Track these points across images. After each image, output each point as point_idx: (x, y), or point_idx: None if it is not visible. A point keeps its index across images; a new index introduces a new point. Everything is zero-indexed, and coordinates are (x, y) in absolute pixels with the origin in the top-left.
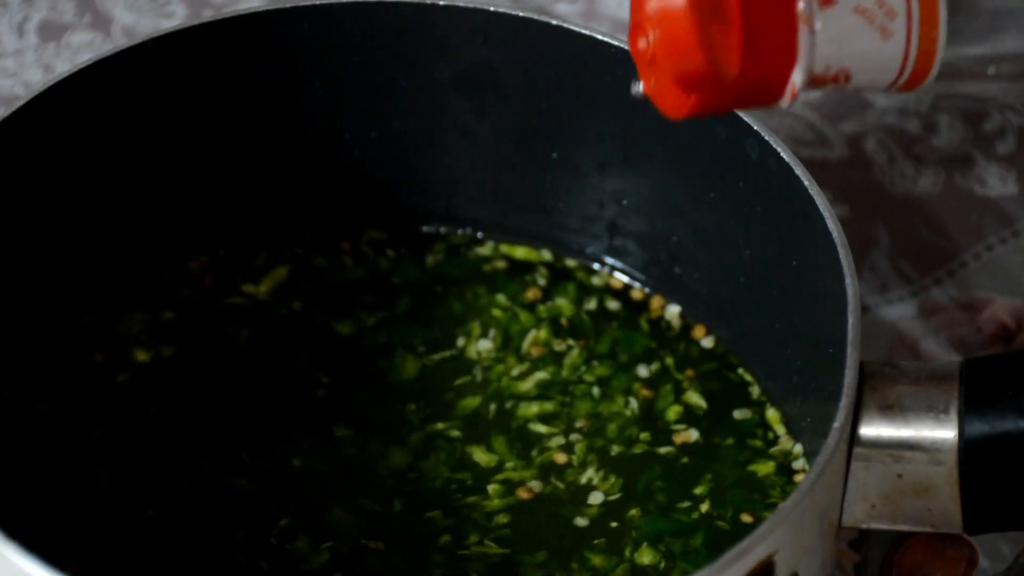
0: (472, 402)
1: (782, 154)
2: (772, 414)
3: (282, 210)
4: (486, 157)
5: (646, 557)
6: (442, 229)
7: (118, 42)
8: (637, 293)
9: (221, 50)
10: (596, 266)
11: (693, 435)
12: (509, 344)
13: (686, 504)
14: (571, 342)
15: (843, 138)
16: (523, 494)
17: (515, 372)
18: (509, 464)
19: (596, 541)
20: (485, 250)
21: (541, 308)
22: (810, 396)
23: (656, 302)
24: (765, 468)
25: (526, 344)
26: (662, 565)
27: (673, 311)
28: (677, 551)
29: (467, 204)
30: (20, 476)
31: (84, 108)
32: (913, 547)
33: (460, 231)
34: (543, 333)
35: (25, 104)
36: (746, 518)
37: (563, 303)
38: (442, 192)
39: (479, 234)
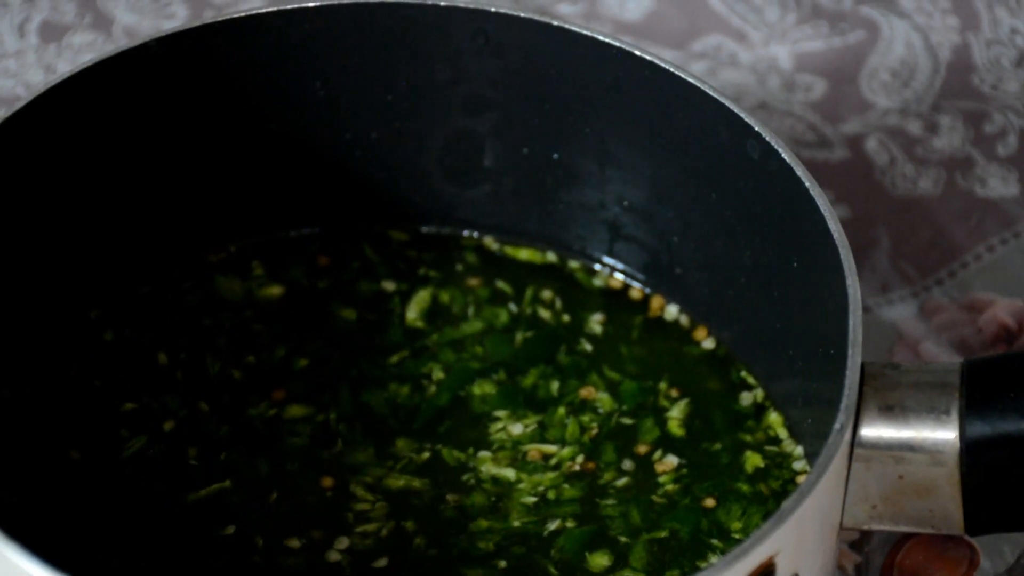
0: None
1: (783, 155)
2: (774, 417)
3: (284, 209)
4: (487, 158)
5: (603, 559)
6: (443, 230)
7: (119, 43)
8: (636, 292)
9: (222, 51)
10: (597, 267)
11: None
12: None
13: (611, 504)
14: (579, 461)
15: (844, 139)
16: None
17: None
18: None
19: None
20: (505, 287)
21: (591, 419)
22: (811, 397)
23: (656, 301)
24: (754, 459)
25: (530, 449)
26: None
27: (672, 311)
28: (621, 537)
29: (468, 205)
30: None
31: (85, 109)
32: (914, 548)
33: (461, 232)
34: (566, 452)
35: (26, 105)
36: (709, 502)
37: (604, 398)
38: (443, 192)
39: (477, 234)
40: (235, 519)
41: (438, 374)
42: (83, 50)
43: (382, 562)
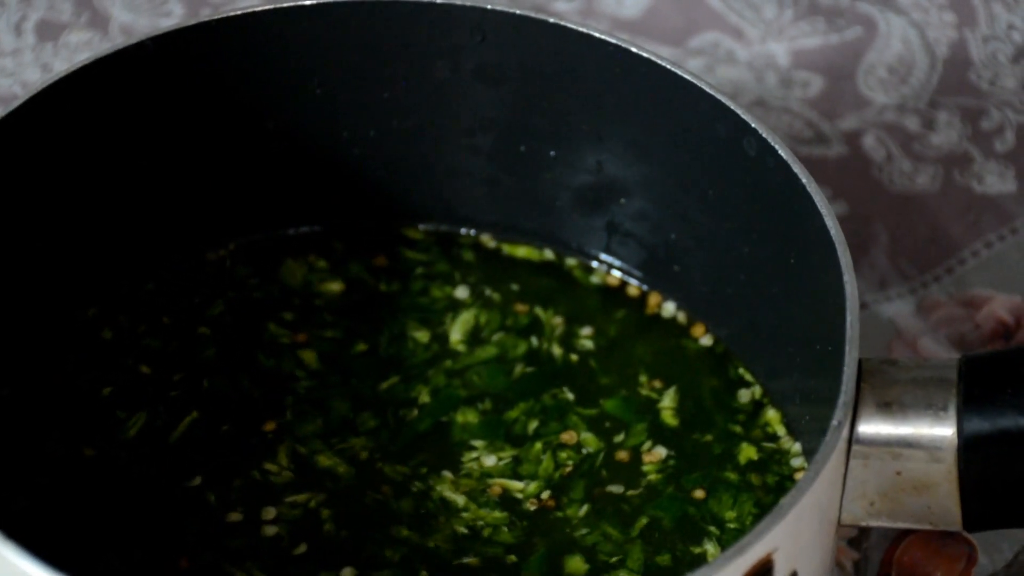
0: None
1: (780, 152)
2: (772, 414)
3: (282, 207)
4: (485, 155)
5: (576, 563)
6: (441, 228)
7: (116, 41)
8: (634, 290)
9: (219, 49)
10: (595, 264)
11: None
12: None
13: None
14: (544, 497)
15: (841, 135)
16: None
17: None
18: None
19: None
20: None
21: (568, 455)
22: (809, 394)
23: (653, 299)
24: (748, 452)
25: (494, 484)
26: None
27: (670, 308)
28: (603, 548)
29: (466, 202)
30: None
31: (82, 108)
32: (912, 545)
33: (458, 230)
34: (532, 487)
35: (23, 103)
36: (699, 494)
37: (589, 438)
38: (440, 190)
39: (474, 232)
40: (199, 466)
41: (424, 398)
42: (80, 48)
43: (302, 548)
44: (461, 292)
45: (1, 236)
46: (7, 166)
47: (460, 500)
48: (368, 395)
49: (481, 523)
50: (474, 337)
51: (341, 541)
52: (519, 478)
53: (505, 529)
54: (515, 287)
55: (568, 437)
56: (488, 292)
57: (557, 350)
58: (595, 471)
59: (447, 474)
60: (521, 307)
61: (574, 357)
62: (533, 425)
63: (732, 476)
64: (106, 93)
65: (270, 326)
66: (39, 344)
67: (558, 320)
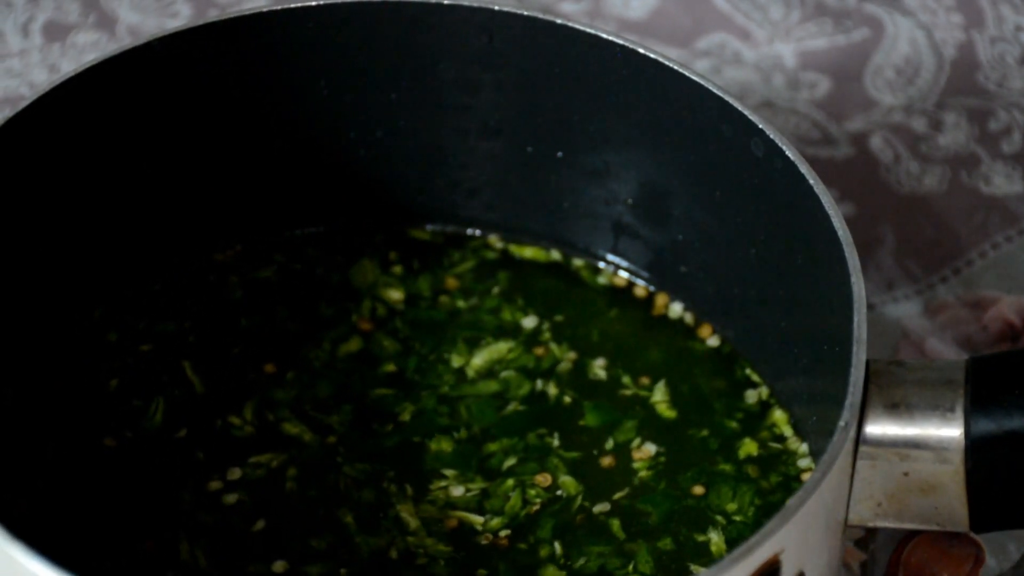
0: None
1: (788, 152)
2: (779, 415)
3: (288, 208)
4: (491, 156)
5: (551, 572)
6: (447, 229)
7: (123, 42)
8: (641, 290)
9: (226, 50)
10: (602, 265)
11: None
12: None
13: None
14: (503, 535)
15: (849, 136)
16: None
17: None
18: None
19: None
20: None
21: (536, 493)
22: (816, 395)
23: (660, 299)
24: (749, 447)
25: (452, 516)
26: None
27: (677, 309)
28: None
29: (472, 203)
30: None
31: (89, 108)
32: (919, 545)
33: (465, 231)
34: (495, 522)
35: (30, 104)
36: (698, 490)
37: (569, 481)
38: (447, 191)
39: (481, 232)
40: (189, 421)
41: (405, 417)
42: (87, 49)
43: (260, 524)
44: (529, 322)
45: (7, 237)
46: (14, 167)
47: (413, 523)
48: (356, 393)
49: (421, 549)
50: (489, 370)
51: (306, 505)
52: (482, 512)
53: (442, 562)
54: (561, 317)
55: (542, 479)
56: (543, 326)
57: (553, 391)
58: (571, 512)
59: (411, 494)
60: (539, 351)
61: (567, 399)
62: (510, 462)
63: (728, 468)
64: (113, 94)
65: (365, 302)
66: (44, 346)
67: (571, 355)
